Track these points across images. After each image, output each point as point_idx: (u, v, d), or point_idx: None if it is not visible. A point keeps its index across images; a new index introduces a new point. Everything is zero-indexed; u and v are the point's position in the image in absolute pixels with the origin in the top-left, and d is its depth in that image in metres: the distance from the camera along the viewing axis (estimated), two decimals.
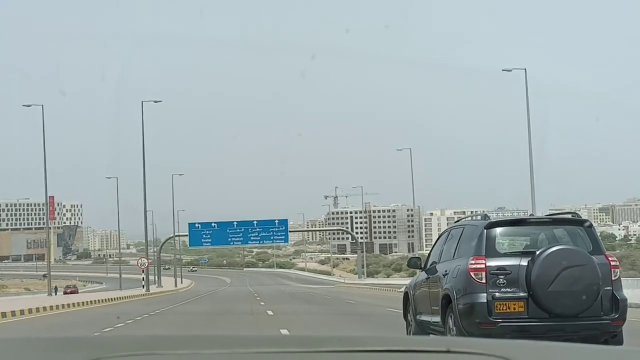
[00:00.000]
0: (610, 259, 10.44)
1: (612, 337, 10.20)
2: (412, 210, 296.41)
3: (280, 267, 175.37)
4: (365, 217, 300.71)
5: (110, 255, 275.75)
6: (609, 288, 10.18)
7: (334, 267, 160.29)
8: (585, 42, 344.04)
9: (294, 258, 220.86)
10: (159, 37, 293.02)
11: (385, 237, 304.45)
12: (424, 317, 12.12)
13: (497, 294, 10.10)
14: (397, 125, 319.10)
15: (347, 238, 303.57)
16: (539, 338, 8.54)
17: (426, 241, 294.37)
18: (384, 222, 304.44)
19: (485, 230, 10.48)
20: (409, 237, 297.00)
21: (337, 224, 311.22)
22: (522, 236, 11.10)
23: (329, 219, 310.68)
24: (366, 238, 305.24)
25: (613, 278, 10.32)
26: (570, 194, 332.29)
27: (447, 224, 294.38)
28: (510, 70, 44.89)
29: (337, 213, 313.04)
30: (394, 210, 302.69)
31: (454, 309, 10.50)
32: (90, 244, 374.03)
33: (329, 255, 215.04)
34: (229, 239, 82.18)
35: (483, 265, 10.21)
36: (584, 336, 10.04)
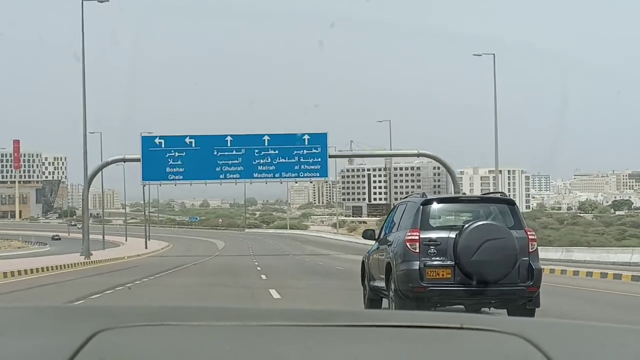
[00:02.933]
0: (529, 233, 11.66)
1: (529, 300, 11.48)
2: (439, 168, 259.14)
3: (293, 228, 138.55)
4: (385, 175, 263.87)
5: (97, 214, 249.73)
6: (526, 259, 11.41)
7: (352, 232, 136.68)
8: (605, 16, 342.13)
9: (300, 222, 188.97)
10: (171, 3, 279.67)
11: None
12: (376, 283, 13.13)
13: (428, 262, 11.35)
14: (416, 94, 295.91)
15: (364, 199, 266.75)
16: (463, 301, 11.53)
17: None
18: (407, 181, 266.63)
19: (422, 207, 11.75)
20: None
21: (353, 182, 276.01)
22: (455, 212, 12.45)
23: (343, 176, 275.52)
24: (385, 199, 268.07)
25: (530, 250, 11.54)
26: (598, 160, 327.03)
27: (482, 184, 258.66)
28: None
29: (353, 170, 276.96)
30: (418, 168, 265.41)
31: (393, 275, 11.77)
32: (81, 203, 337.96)
33: (343, 217, 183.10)
34: (217, 170, 44.04)
35: (417, 237, 11.45)
36: (504, 300, 11.57)
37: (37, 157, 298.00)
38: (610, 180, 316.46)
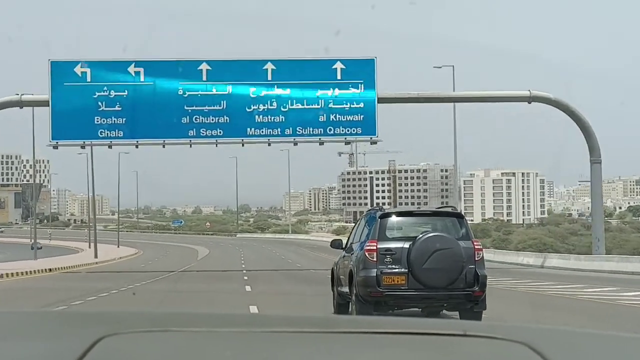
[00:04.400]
0: (475, 243, 12.89)
1: (475, 304, 12.60)
2: (447, 170, 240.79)
3: (296, 233, 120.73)
4: (389, 179, 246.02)
5: (82, 220, 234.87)
6: (472, 266, 12.50)
7: None
8: (610, 25, 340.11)
9: (300, 228, 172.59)
10: (180, 10, 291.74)
11: (413, 203, 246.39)
12: (342, 289, 14.11)
13: (384, 270, 12.51)
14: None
15: (366, 204, 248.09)
16: (416, 304, 12.89)
17: (465, 208, 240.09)
18: (412, 184, 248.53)
19: (380, 220, 12.99)
20: (442, 203, 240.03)
21: (354, 185, 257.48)
22: (410, 224, 13.57)
23: (343, 179, 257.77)
24: (389, 204, 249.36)
25: (476, 259, 12.66)
26: (604, 166, 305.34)
27: (494, 187, 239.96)
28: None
29: (354, 173, 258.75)
30: (424, 170, 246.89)
31: (354, 281, 12.92)
32: (67, 209, 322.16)
33: (344, 223, 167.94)
34: (184, 122, 24.55)
35: (375, 247, 12.62)
36: (453, 303, 12.80)
37: (16, 159, 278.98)
38: (617, 186, 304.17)
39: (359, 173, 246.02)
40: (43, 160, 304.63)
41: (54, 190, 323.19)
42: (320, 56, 27.56)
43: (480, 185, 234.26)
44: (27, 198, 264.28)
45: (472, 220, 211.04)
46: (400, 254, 12.34)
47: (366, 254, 12.46)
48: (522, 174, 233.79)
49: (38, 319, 2.00)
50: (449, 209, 14.38)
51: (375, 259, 12.38)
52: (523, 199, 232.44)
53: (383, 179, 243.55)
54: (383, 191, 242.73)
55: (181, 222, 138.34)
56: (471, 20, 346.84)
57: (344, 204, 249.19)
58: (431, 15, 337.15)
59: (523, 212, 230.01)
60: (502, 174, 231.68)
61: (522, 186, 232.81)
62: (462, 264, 12.20)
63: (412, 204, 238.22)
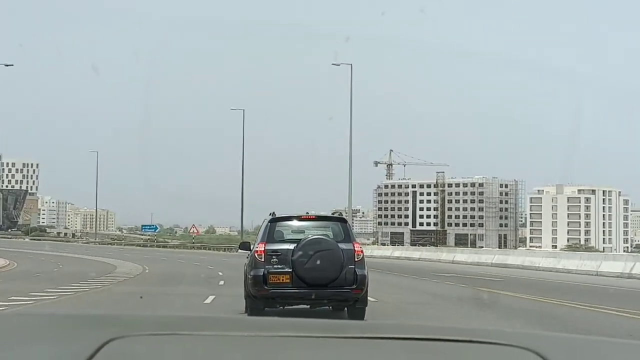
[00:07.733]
0: (356, 245, 13.82)
1: (355, 301, 13.63)
2: (507, 185, 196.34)
3: None
4: (437, 194, 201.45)
5: (73, 234, 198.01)
6: (352, 266, 13.44)
7: None
8: (621, 34, 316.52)
9: None
10: (191, 19, 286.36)
11: (464, 225, 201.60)
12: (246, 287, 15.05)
13: (271, 269, 13.48)
14: (439, 109, 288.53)
15: (407, 224, 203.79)
16: (301, 301, 13.61)
17: (531, 232, 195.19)
18: (465, 201, 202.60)
19: (269, 224, 14.13)
20: (501, 225, 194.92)
21: (392, 201, 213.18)
22: (297, 228, 14.52)
23: (380, 194, 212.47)
24: (436, 224, 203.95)
25: (356, 260, 13.58)
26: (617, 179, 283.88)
27: (569, 207, 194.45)
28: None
29: (393, 187, 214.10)
30: (480, 185, 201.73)
31: (246, 280, 14.18)
32: (67, 222, 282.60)
33: (378, 246, 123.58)
34: None
35: (263, 249, 13.69)
36: (335, 300, 13.84)
37: None
38: None
39: (399, 187, 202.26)
40: (31, 164, 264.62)
41: (53, 202, 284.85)
42: None
43: (551, 205, 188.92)
44: (8, 206, 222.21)
45: (539, 246, 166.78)
46: (285, 255, 13.31)
47: (255, 254, 13.59)
48: (603, 192, 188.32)
49: (46, 322, 2.01)
50: (337, 214, 16.32)
51: (263, 260, 13.43)
52: (604, 222, 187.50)
53: (429, 194, 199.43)
54: (429, 209, 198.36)
55: (155, 228, 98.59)
56: (481, 27, 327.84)
57: (379, 224, 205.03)
58: (441, 23, 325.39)
59: (604, 238, 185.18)
60: (578, 191, 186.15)
61: (603, 207, 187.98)
62: (341, 264, 13.18)
63: (465, 225, 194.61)
